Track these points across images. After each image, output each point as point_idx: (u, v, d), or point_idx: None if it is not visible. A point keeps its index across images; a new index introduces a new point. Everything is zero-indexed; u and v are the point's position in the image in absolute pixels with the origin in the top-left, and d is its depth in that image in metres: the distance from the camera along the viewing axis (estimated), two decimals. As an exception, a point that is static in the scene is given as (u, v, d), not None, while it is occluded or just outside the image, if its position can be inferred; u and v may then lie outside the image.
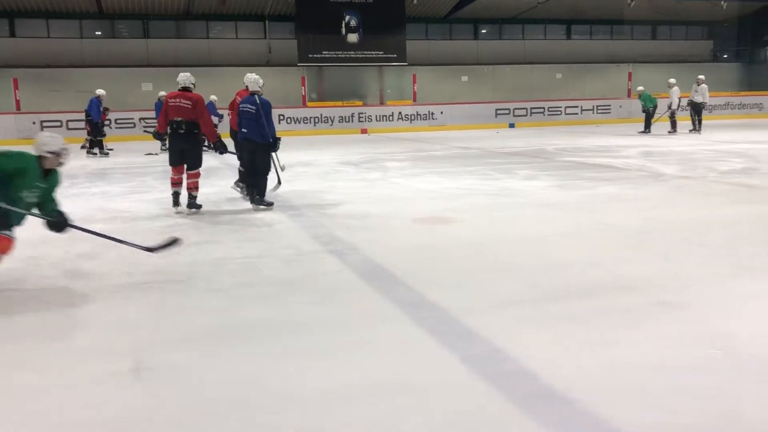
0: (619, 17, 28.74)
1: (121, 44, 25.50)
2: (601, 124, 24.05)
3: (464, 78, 28.02)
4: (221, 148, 7.99)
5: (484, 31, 29.79)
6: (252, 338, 3.54)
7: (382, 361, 3.17)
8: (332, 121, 23.35)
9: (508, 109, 25.25)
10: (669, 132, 18.51)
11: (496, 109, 25.16)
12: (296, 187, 9.54)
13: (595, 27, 30.32)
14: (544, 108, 25.43)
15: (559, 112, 25.54)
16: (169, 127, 7.53)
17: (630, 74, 26.39)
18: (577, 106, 25.70)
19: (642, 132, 18.91)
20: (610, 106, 25.65)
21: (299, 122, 23.14)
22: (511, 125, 24.62)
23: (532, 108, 25.34)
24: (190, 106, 7.43)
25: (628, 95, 25.88)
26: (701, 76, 18.92)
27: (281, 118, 22.17)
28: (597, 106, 25.71)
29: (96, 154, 16.04)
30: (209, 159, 13.71)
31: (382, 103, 25.80)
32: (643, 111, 19.34)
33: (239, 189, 8.53)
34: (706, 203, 7.63)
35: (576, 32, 30.50)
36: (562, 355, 3.18)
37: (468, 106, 24.90)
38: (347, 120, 23.47)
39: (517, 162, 12.40)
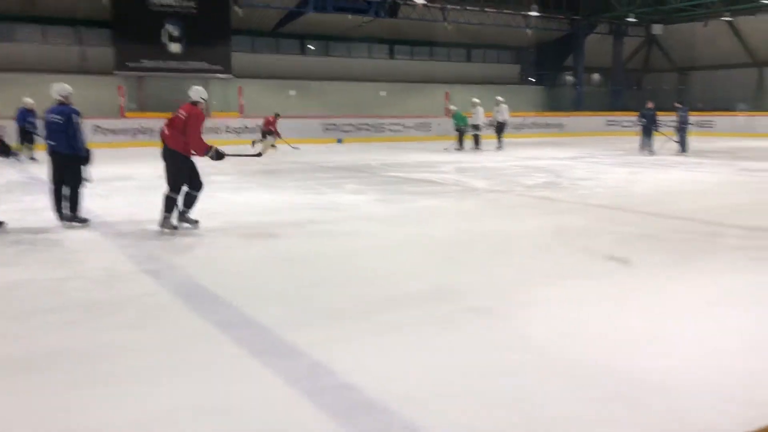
0: (437, 40, 30.32)
1: None
2: (421, 141, 25.15)
3: (292, 92, 28.04)
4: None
5: (311, 47, 30.07)
6: (52, 368, 3.26)
7: (198, 384, 3.05)
8: (153, 133, 22.26)
9: (336, 124, 25.63)
10: (473, 148, 19.67)
11: (324, 124, 25.43)
12: (112, 203, 8.98)
13: (415, 48, 31.74)
14: (369, 124, 26.12)
15: (384, 129, 26.36)
16: None
17: (447, 94, 27.90)
18: (400, 123, 26.68)
19: (456, 149, 19.99)
20: (430, 123, 26.92)
21: (117, 134, 21.82)
22: (339, 140, 25.00)
23: (358, 124, 25.93)
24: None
25: (446, 114, 27.33)
26: (499, 98, 20.46)
27: (96, 129, 20.78)
28: (418, 124, 26.89)
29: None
30: (13, 173, 12.52)
31: (207, 116, 25.08)
32: (456, 130, 20.51)
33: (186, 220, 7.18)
34: (515, 215, 8.23)
35: (398, 52, 31.73)
36: (383, 366, 3.25)
37: (296, 120, 24.93)
38: (170, 132, 22.53)
39: (344, 176, 12.61)
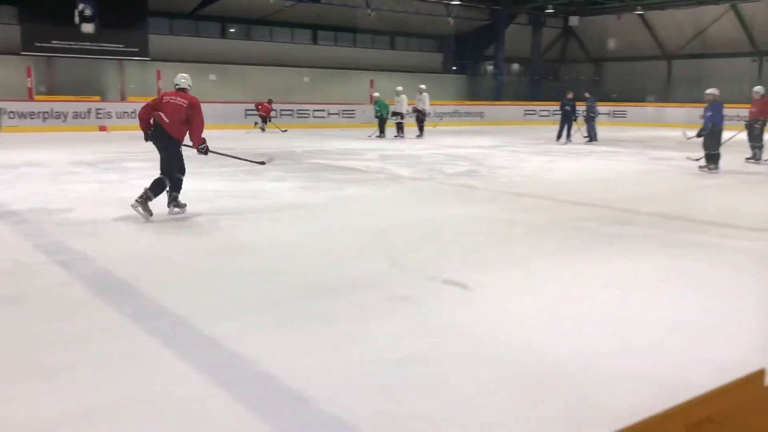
0: (361, 26, 30.26)
1: None
2: (345, 128, 25.10)
3: (212, 77, 27.37)
4: None
5: (232, 30, 29.42)
6: (-47, 367, 3.08)
7: (112, 378, 2.95)
8: (65, 117, 21.28)
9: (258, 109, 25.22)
10: (395, 136, 19.82)
11: (246, 110, 24.98)
12: (20, 190, 8.54)
13: (339, 34, 31.56)
14: (293, 110, 25.82)
15: (308, 115, 26.13)
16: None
17: (372, 81, 27.91)
18: (324, 110, 26.50)
19: (377, 136, 20.04)
20: (354, 110, 26.87)
21: (24, 117, 20.72)
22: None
23: (281, 110, 25.60)
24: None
25: (371, 101, 27.35)
26: (422, 86, 20.67)
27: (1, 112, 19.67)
28: (342, 111, 26.79)
29: None
30: None
31: (123, 99, 24.15)
32: (376, 116, 20.58)
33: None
34: (437, 202, 8.34)
35: (322, 38, 31.47)
36: (301, 355, 3.24)
37: (217, 105, 24.39)
38: (83, 116, 21.57)
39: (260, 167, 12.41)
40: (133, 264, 4.99)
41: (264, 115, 22.53)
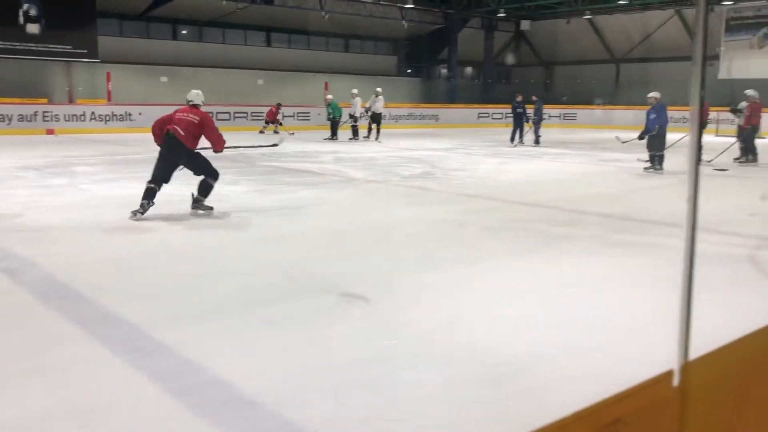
0: (315, 29, 30.17)
1: None
2: (299, 131, 25.01)
3: (164, 79, 26.93)
4: None
5: (184, 32, 29.02)
6: None
7: (59, 388, 2.90)
8: (10, 120, 20.69)
9: (211, 112, 24.89)
10: (350, 139, 19.88)
11: (198, 112, 24.70)
12: (-40, 196, 8.28)
13: (293, 36, 31.40)
14: (247, 113, 25.59)
15: (262, 118, 25.94)
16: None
17: (326, 84, 27.85)
18: (279, 113, 26.36)
19: (329, 138, 20.04)
20: (309, 113, 26.78)
21: (-34, 120, 20.08)
22: (214, 129, 24.35)
23: (234, 112, 25.35)
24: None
25: (325, 104, 27.29)
26: (378, 89, 20.77)
27: (-58, 115, 19.02)
28: (297, 113, 26.66)
29: None
30: None
31: (71, 102, 23.57)
32: (329, 119, 20.59)
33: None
34: (392, 205, 8.39)
35: (275, 40, 31.27)
36: (256, 361, 3.23)
37: (168, 107, 24.01)
38: (29, 119, 21.01)
39: (220, 166, 12.28)
40: (80, 270, 4.90)
41: (269, 119, 22.85)
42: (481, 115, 30.41)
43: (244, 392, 2.85)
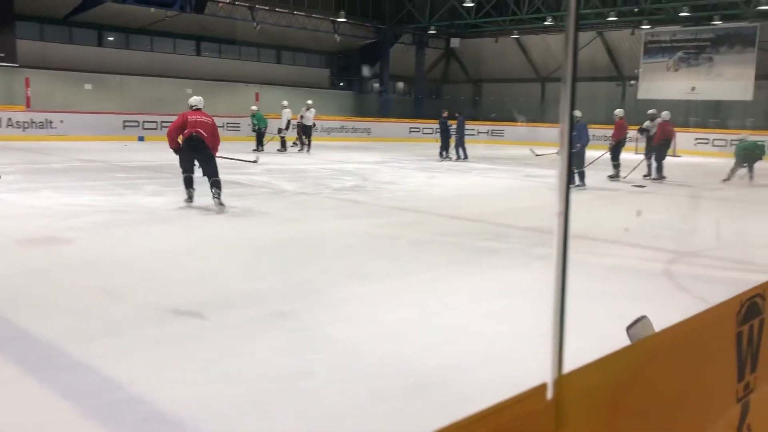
0: (246, 39, 29.90)
1: None
2: (230, 141, 24.65)
3: (88, 86, 26.09)
4: None
5: (110, 38, 28.22)
6: None
7: (-33, 408, 2.76)
8: None
9: (138, 121, 24.30)
10: (278, 150, 19.78)
11: (124, 121, 24.00)
12: None
13: (224, 46, 31.01)
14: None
15: (191, 128, 25.48)
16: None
17: (257, 95, 27.62)
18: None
19: (255, 150, 19.85)
20: (239, 123, 26.48)
21: None
22: (141, 138, 23.72)
23: (162, 121, 24.78)
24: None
25: (250, 114, 27.00)
26: (309, 101, 20.78)
27: None
28: (227, 123, 26.31)
29: None
30: None
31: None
32: (254, 130, 20.44)
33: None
34: (322, 217, 8.38)
35: (206, 49, 30.81)
36: (178, 377, 3.17)
37: (93, 115, 23.27)
38: (-60, 125, 20.00)
39: (144, 177, 12.02)
40: (-6, 284, 4.69)
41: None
42: (412, 129, 30.78)
43: (165, 408, 2.79)
